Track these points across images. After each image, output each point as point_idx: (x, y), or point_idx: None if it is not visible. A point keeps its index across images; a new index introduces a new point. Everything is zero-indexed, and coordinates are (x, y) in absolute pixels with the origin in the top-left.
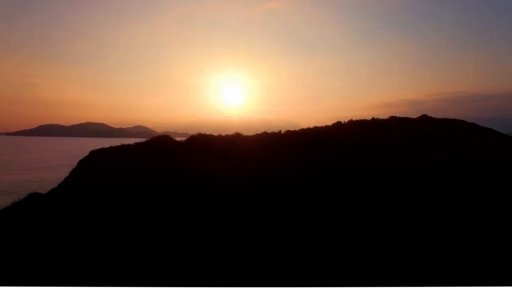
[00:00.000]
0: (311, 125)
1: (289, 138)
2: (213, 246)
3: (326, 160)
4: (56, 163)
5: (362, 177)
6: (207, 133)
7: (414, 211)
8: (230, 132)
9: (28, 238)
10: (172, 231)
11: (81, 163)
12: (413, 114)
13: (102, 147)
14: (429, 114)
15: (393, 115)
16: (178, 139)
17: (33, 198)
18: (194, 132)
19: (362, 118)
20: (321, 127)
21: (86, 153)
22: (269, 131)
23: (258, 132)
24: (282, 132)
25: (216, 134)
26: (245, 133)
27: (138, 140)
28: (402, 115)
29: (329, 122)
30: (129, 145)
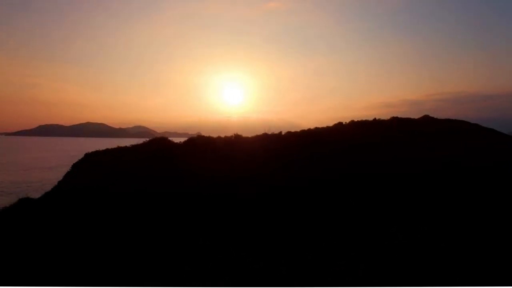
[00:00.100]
0: (311, 125)
1: (289, 139)
2: (213, 246)
3: (326, 161)
4: (56, 163)
5: (362, 178)
6: (208, 133)
7: (414, 211)
8: (230, 132)
9: (18, 244)
10: (172, 231)
11: (76, 166)
12: (413, 114)
13: (98, 149)
14: (429, 114)
15: (393, 115)
16: (178, 139)
17: (24, 203)
18: (194, 132)
19: (362, 117)
20: (322, 128)
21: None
22: (269, 132)
23: (258, 133)
24: (283, 133)
25: (216, 134)
26: (245, 133)
27: (138, 140)
28: (402, 115)
29: (329, 122)
30: (126, 147)
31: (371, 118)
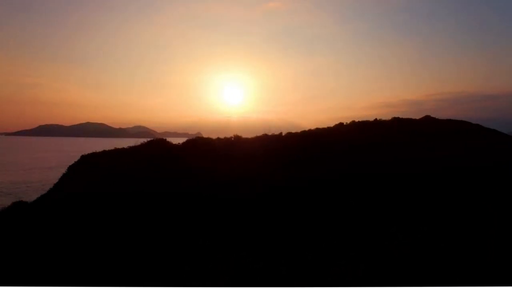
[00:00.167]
0: (312, 125)
1: (290, 140)
2: (213, 246)
3: (326, 161)
4: (56, 163)
5: (363, 178)
6: (208, 133)
7: (414, 211)
8: (230, 132)
9: (11, 247)
10: (172, 231)
11: (72, 168)
12: (413, 114)
13: (94, 151)
14: (429, 114)
15: (394, 115)
16: (178, 139)
17: (18, 207)
18: (194, 132)
19: (363, 117)
20: (323, 129)
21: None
22: (270, 133)
23: (258, 133)
24: (283, 134)
25: (216, 134)
26: (245, 133)
27: (138, 140)
28: (402, 115)
29: (329, 121)
30: (123, 148)
31: (371, 118)
